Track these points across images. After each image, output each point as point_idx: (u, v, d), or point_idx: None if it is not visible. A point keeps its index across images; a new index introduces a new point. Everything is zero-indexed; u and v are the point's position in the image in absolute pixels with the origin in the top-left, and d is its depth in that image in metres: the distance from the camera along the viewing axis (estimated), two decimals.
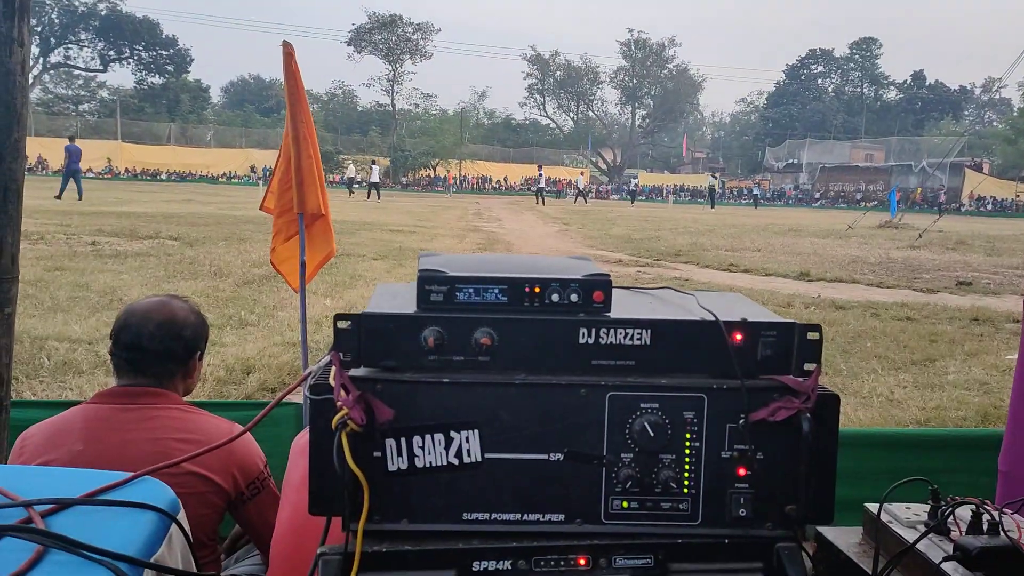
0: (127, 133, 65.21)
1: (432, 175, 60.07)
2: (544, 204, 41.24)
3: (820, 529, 1.87)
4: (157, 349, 2.59)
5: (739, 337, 1.34)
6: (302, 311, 3.57)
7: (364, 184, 45.84)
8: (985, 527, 1.53)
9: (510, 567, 1.34)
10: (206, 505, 2.55)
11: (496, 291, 1.33)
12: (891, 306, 10.63)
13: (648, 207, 45.24)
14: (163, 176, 57.51)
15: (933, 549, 1.55)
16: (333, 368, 1.32)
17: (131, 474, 1.27)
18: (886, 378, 6.86)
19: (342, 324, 1.30)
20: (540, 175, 46.39)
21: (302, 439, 2.58)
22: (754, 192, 57.81)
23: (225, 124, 75.91)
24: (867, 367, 7.23)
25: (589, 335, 1.33)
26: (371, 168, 46.28)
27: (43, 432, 2.42)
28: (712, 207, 45.79)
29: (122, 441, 2.40)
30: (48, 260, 11.40)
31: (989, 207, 54.70)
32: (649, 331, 1.34)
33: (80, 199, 25.49)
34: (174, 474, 2.03)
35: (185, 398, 2.68)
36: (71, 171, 27.50)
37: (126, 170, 58.06)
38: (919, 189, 52.36)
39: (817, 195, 64.69)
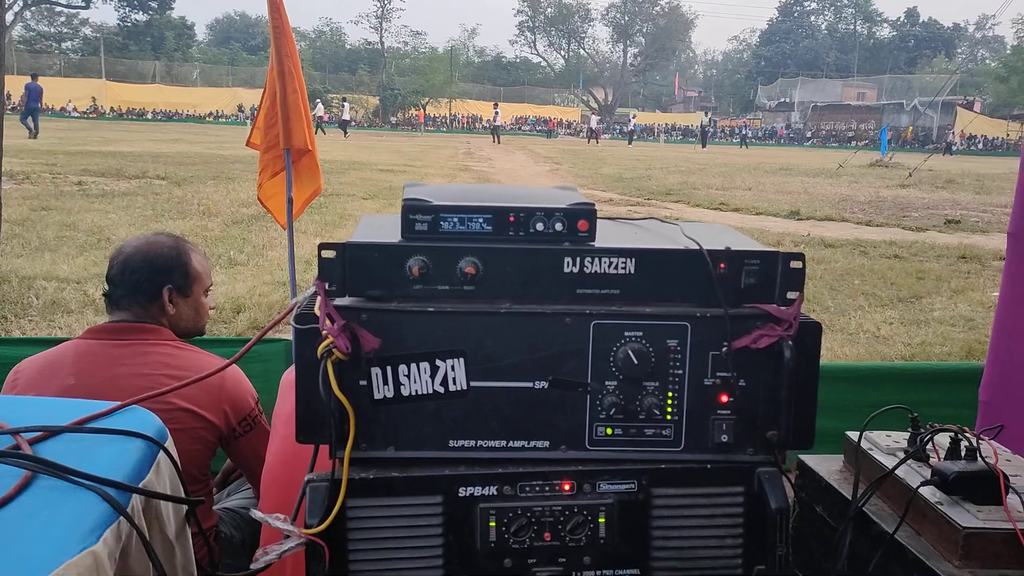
0: (111, 71, 63.80)
1: (424, 115, 59.29)
2: (499, 143, 41.32)
3: (802, 457, 1.90)
4: (128, 283, 2.59)
5: (723, 266, 1.34)
6: (290, 249, 3.55)
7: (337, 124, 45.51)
8: (963, 453, 1.56)
9: (496, 493, 1.36)
10: (197, 441, 2.57)
11: (481, 220, 1.32)
12: (879, 244, 10.67)
13: (639, 146, 44.83)
14: (149, 115, 56.50)
15: (911, 475, 1.58)
16: (318, 298, 1.32)
17: (118, 403, 1.27)
18: (873, 315, 6.92)
19: (326, 254, 1.29)
20: (496, 113, 46.95)
21: (291, 374, 2.58)
22: (742, 132, 57.25)
23: (211, 63, 74.35)
24: (854, 304, 7.29)
25: (574, 264, 1.33)
26: (342, 106, 46.09)
27: (35, 366, 2.43)
28: (703, 147, 45.44)
29: (113, 376, 2.40)
30: (34, 200, 11.26)
31: (980, 146, 54.47)
32: (633, 260, 1.34)
33: (34, 137, 25.18)
34: (165, 409, 2.03)
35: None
36: (30, 109, 27.35)
37: (111, 109, 57.03)
38: (910, 128, 52.07)
39: (808, 134, 64.24)
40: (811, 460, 1.88)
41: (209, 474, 2.78)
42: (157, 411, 1.48)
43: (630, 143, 46.55)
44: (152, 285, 2.67)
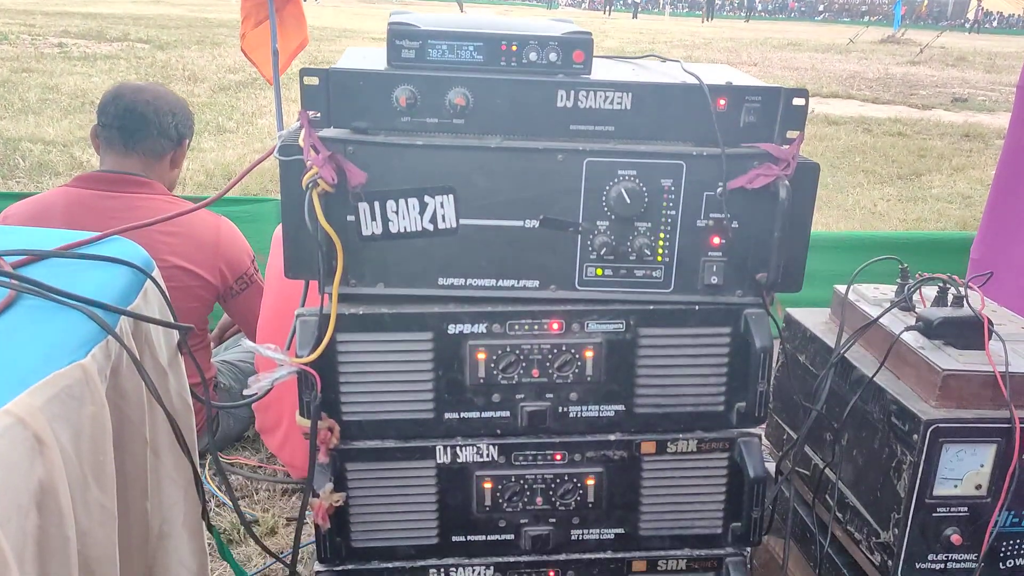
0: None
1: None
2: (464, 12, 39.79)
3: (789, 310, 1.92)
4: (152, 120, 2.52)
5: (723, 103, 1.30)
6: (277, 102, 3.46)
7: None
8: (950, 301, 1.57)
9: (485, 331, 1.37)
10: (194, 299, 2.59)
11: (471, 48, 1.27)
12: (884, 122, 10.49)
13: (644, 19, 43.25)
14: None
15: (896, 323, 1.59)
16: (303, 130, 1.28)
17: (100, 233, 1.25)
18: (871, 191, 6.88)
19: (309, 80, 1.25)
20: None
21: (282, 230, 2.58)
22: (749, 4, 55.03)
23: None
24: (854, 181, 7.23)
25: (568, 98, 1.29)
26: None
27: (25, 211, 2.41)
28: (709, 19, 43.86)
29: (103, 229, 2.40)
30: (14, 61, 10.92)
31: (995, 24, 52.72)
32: (630, 95, 1.30)
33: None
34: (160, 267, 2.04)
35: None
36: None
37: None
38: (925, 2, 50.17)
39: (820, 7, 61.96)
40: (797, 313, 1.90)
41: (207, 329, 2.81)
42: None
43: (635, 16, 44.84)
44: (178, 133, 2.61)
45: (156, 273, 1.24)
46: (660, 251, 1.36)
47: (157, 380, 1.15)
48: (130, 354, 1.05)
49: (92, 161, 6.05)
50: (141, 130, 2.51)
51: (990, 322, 1.47)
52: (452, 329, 1.37)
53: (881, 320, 1.60)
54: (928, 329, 1.50)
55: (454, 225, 1.33)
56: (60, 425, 0.90)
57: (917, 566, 1.48)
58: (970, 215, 6.10)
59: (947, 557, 1.48)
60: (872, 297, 1.72)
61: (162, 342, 1.23)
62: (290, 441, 2.55)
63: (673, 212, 1.34)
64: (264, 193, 5.51)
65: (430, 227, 1.33)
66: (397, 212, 1.32)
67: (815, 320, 1.84)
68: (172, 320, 1.23)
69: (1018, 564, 1.50)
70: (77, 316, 1.03)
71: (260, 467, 2.71)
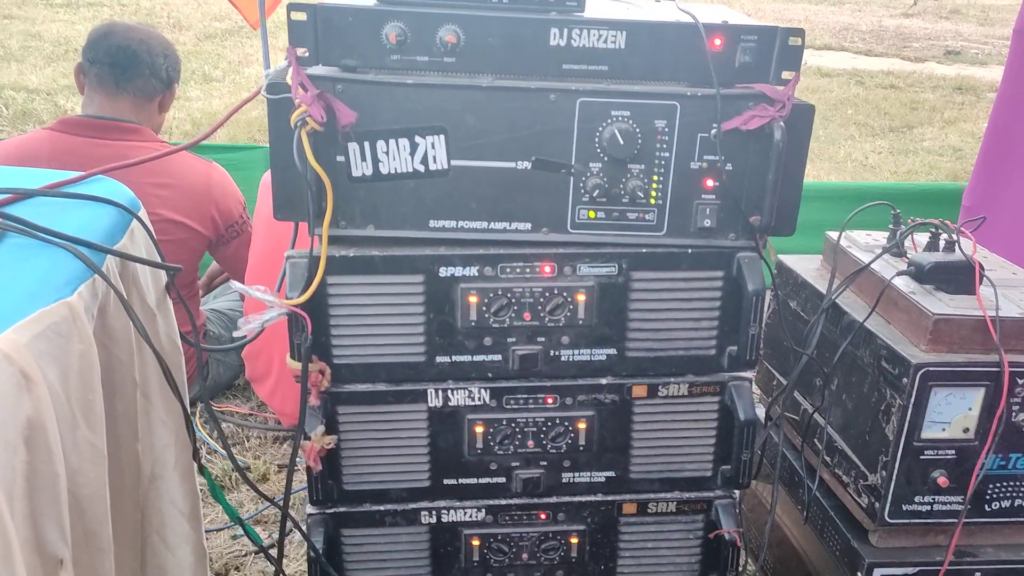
0: None
1: None
2: None
3: (781, 257, 1.92)
4: (145, 59, 2.47)
5: (718, 42, 1.28)
6: (264, 50, 3.39)
7: None
8: (941, 247, 1.57)
9: (476, 274, 1.36)
10: (186, 251, 2.56)
11: None
12: (877, 74, 10.39)
13: None
14: None
15: (887, 269, 1.59)
16: (290, 68, 1.25)
17: (84, 173, 1.23)
18: (863, 144, 6.85)
19: (296, 16, 1.21)
20: None
21: (269, 176, 2.55)
22: None
23: None
24: (845, 134, 7.20)
25: (560, 36, 1.26)
26: None
27: (8, 154, 2.37)
28: None
29: None
30: None
31: None
32: (624, 33, 1.27)
33: None
34: (153, 221, 2.03)
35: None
36: None
37: None
38: None
39: None
40: (789, 260, 1.90)
41: (197, 279, 2.80)
42: None
43: None
44: (168, 75, 2.56)
45: (143, 213, 1.22)
46: (653, 194, 1.34)
47: (145, 321, 1.14)
48: (117, 293, 1.04)
49: (76, 109, 5.94)
50: (133, 68, 2.46)
51: (981, 267, 1.47)
52: (443, 272, 1.36)
53: (872, 266, 1.60)
54: (919, 274, 1.50)
55: (445, 166, 1.31)
56: (47, 362, 0.89)
57: (904, 508, 1.50)
58: (961, 168, 6.09)
59: (933, 499, 1.50)
60: (864, 243, 1.72)
61: (149, 283, 1.22)
62: (280, 389, 2.55)
63: (667, 154, 1.32)
64: (252, 142, 5.43)
65: (421, 168, 1.31)
66: (387, 153, 1.30)
67: (807, 267, 1.84)
68: (161, 261, 1.21)
69: (1003, 506, 1.53)
70: (63, 255, 1.02)
71: (251, 415, 2.72)
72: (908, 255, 1.60)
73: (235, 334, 1.25)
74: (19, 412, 0.83)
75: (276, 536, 1.41)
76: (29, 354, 0.85)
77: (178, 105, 6.31)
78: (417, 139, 1.29)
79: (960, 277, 1.47)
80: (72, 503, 0.94)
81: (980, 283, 1.45)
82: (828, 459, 1.68)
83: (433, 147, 1.30)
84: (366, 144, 1.29)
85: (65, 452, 0.91)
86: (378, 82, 1.26)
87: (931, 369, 1.41)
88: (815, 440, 1.73)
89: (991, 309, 1.42)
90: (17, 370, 0.83)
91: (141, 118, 2.49)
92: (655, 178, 1.34)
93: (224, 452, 2.51)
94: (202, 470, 1.32)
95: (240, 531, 2.20)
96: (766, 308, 1.38)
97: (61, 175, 1.23)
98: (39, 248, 1.02)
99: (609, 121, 1.30)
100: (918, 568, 1.54)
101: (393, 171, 1.31)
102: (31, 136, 2.50)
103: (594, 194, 1.33)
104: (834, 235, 1.76)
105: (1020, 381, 1.42)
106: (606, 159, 1.32)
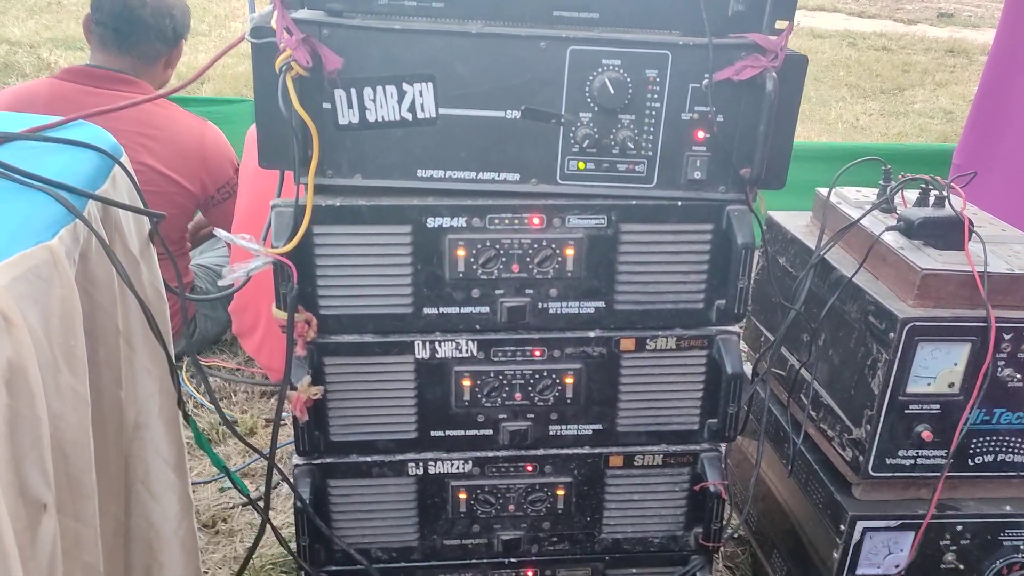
0: None
1: None
2: None
3: (770, 213, 1.91)
4: (150, 24, 2.44)
5: None
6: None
7: None
8: (931, 203, 1.57)
9: (464, 224, 1.35)
10: (174, 205, 2.54)
11: None
12: (869, 36, 10.32)
13: None
14: None
15: (877, 224, 1.59)
16: (275, 11, 1.22)
17: (63, 118, 1.20)
18: (854, 106, 6.82)
19: None
20: None
21: (255, 129, 2.52)
22: None
23: None
24: (837, 95, 7.16)
25: None
26: None
27: (9, 99, 2.35)
28: None
29: None
30: None
31: None
32: None
33: None
34: (138, 171, 2.01)
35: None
36: None
37: None
38: None
39: None
40: (778, 216, 1.89)
41: (186, 236, 2.77)
42: None
43: None
44: (175, 34, 2.52)
45: (125, 159, 1.19)
46: (644, 145, 1.33)
47: (129, 269, 1.12)
48: (99, 238, 1.02)
49: (60, 62, 5.85)
50: (137, 34, 2.43)
51: (971, 222, 1.46)
52: (431, 223, 1.34)
53: (862, 221, 1.59)
54: (909, 229, 1.50)
55: (433, 115, 1.29)
56: (28, 305, 0.87)
57: (887, 461, 1.52)
58: (951, 130, 6.08)
59: (917, 453, 1.52)
60: (854, 199, 1.71)
61: (132, 231, 1.20)
62: (267, 344, 2.55)
63: (658, 104, 1.31)
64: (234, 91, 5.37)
65: (408, 116, 1.29)
66: (375, 100, 1.27)
67: (796, 223, 1.84)
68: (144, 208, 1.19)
69: (986, 461, 1.55)
70: (43, 199, 1.00)
71: (238, 370, 2.72)
72: (898, 211, 1.59)
73: (220, 283, 1.24)
74: (0, 355, 0.82)
75: (263, 490, 1.41)
76: (9, 296, 0.84)
77: None
78: (405, 86, 1.27)
79: (949, 233, 1.47)
80: (55, 449, 0.93)
81: (969, 239, 1.45)
82: (814, 414, 1.69)
83: (421, 95, 1.28)
84: (353, 91, 1.27)
85: (47, 397, 0.90)
86: (365, 27, 1.23)
87: (918, 324, 1.41)
88: (801, 395, 1.74)
89: (979, 265, 1.42)
90: None
91: (144, 76, 2.48)
92: (646, 129, 1.32)
93: (211, 406, 2.51)
94: (187, 418, 1.32)
95: (227, 484, 2.21)
96: (755, 265, 1.38)
97: (42, 119, 1.20)
98: (19, 192, 1.00)
99: (600, 70, 1.28)
100: (900, 521, 1.56)
101: (380, 119, 1.29)
102: (34, 83, 2.51)
103: (584, 144, 1.31)
104: (824, 191, 1.75)
105: (1006, 336, 1.43)
106: (596, 109, 1.30)
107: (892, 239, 1.52)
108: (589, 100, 1.29)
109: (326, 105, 1.27)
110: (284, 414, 1.37)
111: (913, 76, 8.09)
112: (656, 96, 1.30)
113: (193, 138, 2.53)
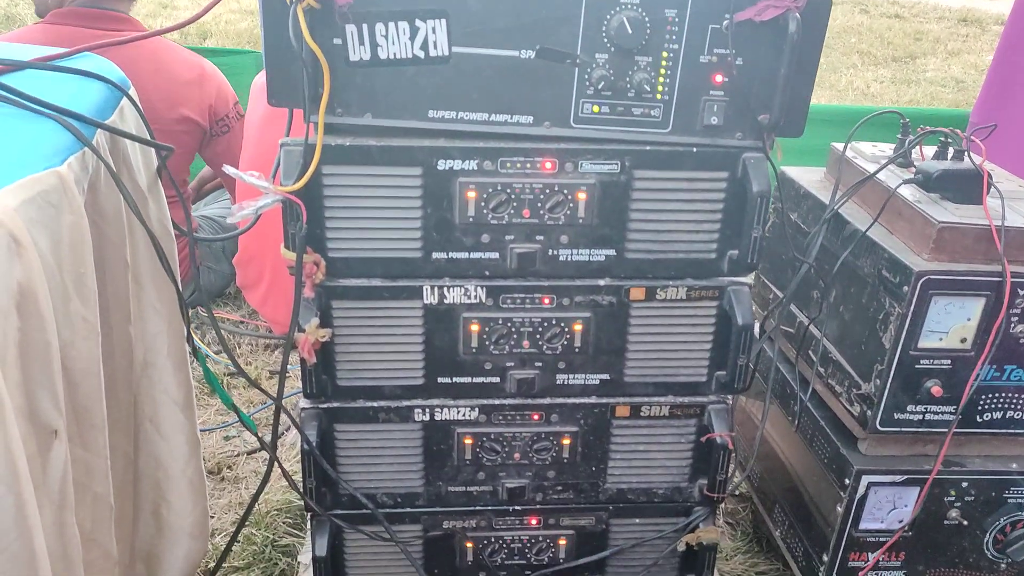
0: None
1: None
2: None
3: (783, 168, 1.89)
4: None
5: None
6: None
7: None
8: (950, 156, 1.54)
9: (476, 167, 1.33)
10: (177, 143, 2.52)
11: None
12: (881, 3, 10.17)
13: None
14: None
15: (893, 179, 1.57)
16: None
17: (69, 49, 1.18)
18: (864, 73, 6.74)
19: None
20: None
21: (260, 78, 2.49)
22: None
23: None
24: (848, 62, 7.08)
25: None
26: None
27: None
28: None
29: None
30: None
31: None
32: None
33: None
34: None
35: None
36: None
37: None
38: None
39: None
40: (792, 171, 1.87)
41: (187, 180, 2.76)
42: None
43: None
44: None
45: (133, 92, 1.17)
46: (660, 88, 1.30)
47: (137, 203, 1.11)
48: (107, 167, 1.00)
49: (25, 19, 5.77)
50: None
51: (990, 176, 1.44)
52: (442, 165, 1.32)
53: (878, 176, 1.57)
54: (926, 182, 1.48)
55: (446, 53, 1.26)
56: (38, 230, 0.86)
57: (896, 416, 1.51)
58: (963, 99, 6.02)
59: (926, 409, 1.51)
60: (870, 154, 1.69)
61: (140, 165, 1.18)
62: (272, 296, 2.54)
63: (676, 46, 1.28)
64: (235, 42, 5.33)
65: (421, 54, 1.26)
66: (386, 36, 1.25)
67: (810, 178, 1.81)
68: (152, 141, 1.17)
69: (994, 418, 1.54)
70: (52, 126, 0.98)
71: (242, 322, 2.71)
72: (915, 165, 1.57)
73: (228, 221, 1.23)
74: (10, 277, 0.81)
75: (269, 439, 1.41)
76: (19, 219, 0.83)
77: (167, 15, 6.15)
78: (418, 23, 1.24)
79: (967, 186, 1.45)
80: (65, 376, 0.92)
81: (987, 193, 1.43)
82: (822, 370, 1.69)
83: (434, 32, 1.25)
84: (364, 26, 1.24)
85: (57, 324, 0.89)
86: None
87: (932, 277, 1.40)
88: (809, 352, 1.73)
89: (997, 219, 1.40)
90: (7, 233, 0.80)
91: (124, 9, 2.47)
92: (662, 71, 1.29)
93: (217, 357, 2.51)
94: (196, 354, 1.31)
95: (232, 433, 2.22)
96: (766, 220, 1.36)
97: (53, 50, 1.18)
98: (28, 118, 0.98)
99: (617, 9, 1.25)
100: (906, 476, 1.56)
101: (392, 56, 1.26)
102: (27, 29, 2.51)
103: (599, 87, 1.29)
104: (839, 146, 1.73)
105: (1021, 292, 1.42)
106: (613, 49, 1.27)
107: (909, 192, 1.50)
108: (606, 40, 1.27)
109: (337, 41, 1.24)
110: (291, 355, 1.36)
111: (925, 44, 7.99)
112: (675, 37, 1.27)
113: (192, 70, 2.56)
